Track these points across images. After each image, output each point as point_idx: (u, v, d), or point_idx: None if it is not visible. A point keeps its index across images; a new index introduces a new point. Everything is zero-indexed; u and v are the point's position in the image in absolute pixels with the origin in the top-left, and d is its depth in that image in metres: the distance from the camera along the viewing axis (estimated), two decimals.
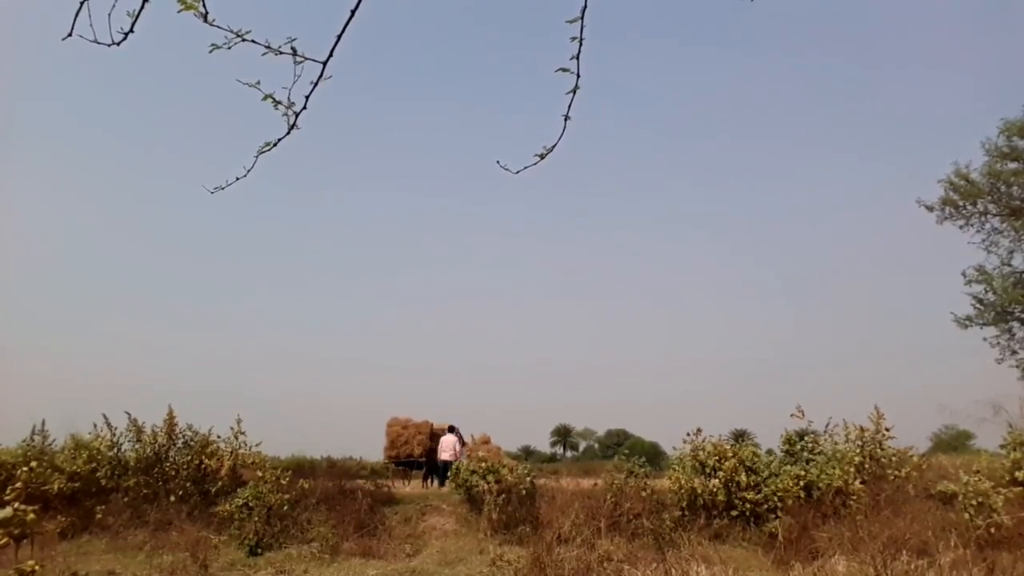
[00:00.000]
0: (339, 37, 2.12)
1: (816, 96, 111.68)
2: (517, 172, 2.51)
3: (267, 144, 2.16)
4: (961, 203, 22.44)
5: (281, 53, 1.95)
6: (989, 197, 22.11)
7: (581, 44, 2.31)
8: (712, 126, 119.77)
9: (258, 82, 1.98)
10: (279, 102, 2.09)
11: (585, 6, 2.29)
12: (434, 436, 17.92)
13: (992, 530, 9.73)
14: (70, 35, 1.84)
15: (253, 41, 1.91)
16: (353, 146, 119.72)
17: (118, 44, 1.90)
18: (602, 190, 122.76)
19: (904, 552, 8.38)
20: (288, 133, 2.14)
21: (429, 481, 17.99)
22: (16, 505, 6.00)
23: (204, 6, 1.93)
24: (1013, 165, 21.76)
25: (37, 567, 5.38)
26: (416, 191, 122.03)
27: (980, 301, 22.01)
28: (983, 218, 22.38)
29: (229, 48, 1.88)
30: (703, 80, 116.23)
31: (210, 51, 1.86)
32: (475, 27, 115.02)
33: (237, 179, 2.21)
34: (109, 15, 1.78)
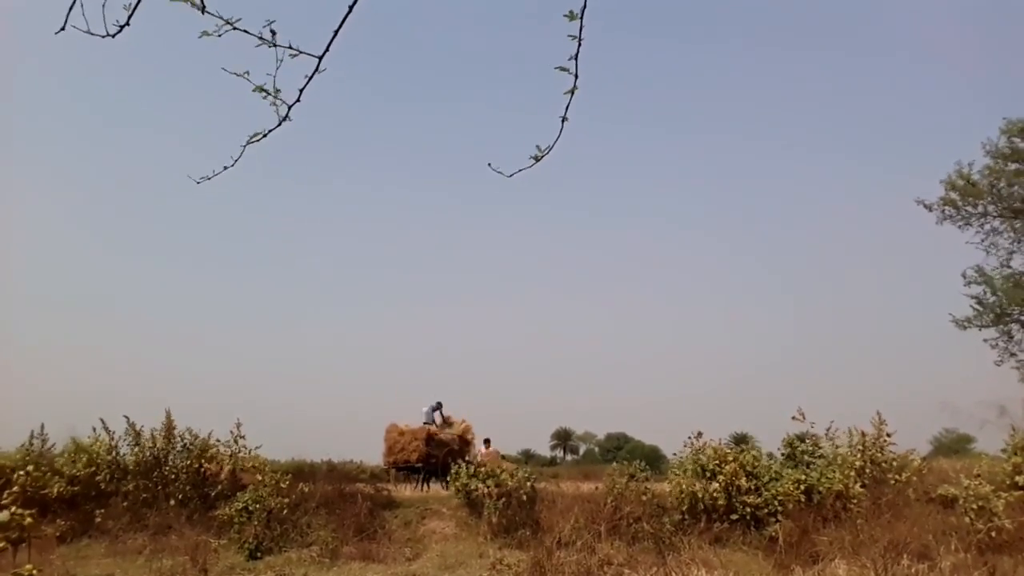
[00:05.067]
0: (336, 32, 2.11)
1: (816, 95, 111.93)
2: (511, 175, 2.44)
3: (256, 134, 2.12)
4: (961, 203, 22.38)
5: (274, 46, 1.93)
6: (989, 198, 22.05)
7: (580, 44, 2.29)
8: (713, 125, 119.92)
9: (247, 72, 1.96)
10: (269, 93, 2.05)
11: (584, 6, 2.28)
12: (430, 442, 17.94)
13: (993, 534, 9.71)
14: (63, 29, 1.82)
15: (245, 31, 1.88)
16: (350, 142, 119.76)
17: (113, 36, 1.87)
18: (603, 190, 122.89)
19: (905, 556, 8.37)
20: (279, 124, 2.10)
21: (424, 486, 17.97)
22: (13, 509, 5.99)
23: None
24: (1014, 166, 21.68)
25: (35, 571, 5.36)
26: (416, 190, 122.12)
27: (980, 303, 21.94)
28: (983, 219, 22.33)
29: (219, 36, 1.86)
30: (707, 79, 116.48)
31: (199, 37, 1.84)
32: (474, 25, 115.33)
33: (225, 168, 2.17)
34: (103, 5, 1.76)
